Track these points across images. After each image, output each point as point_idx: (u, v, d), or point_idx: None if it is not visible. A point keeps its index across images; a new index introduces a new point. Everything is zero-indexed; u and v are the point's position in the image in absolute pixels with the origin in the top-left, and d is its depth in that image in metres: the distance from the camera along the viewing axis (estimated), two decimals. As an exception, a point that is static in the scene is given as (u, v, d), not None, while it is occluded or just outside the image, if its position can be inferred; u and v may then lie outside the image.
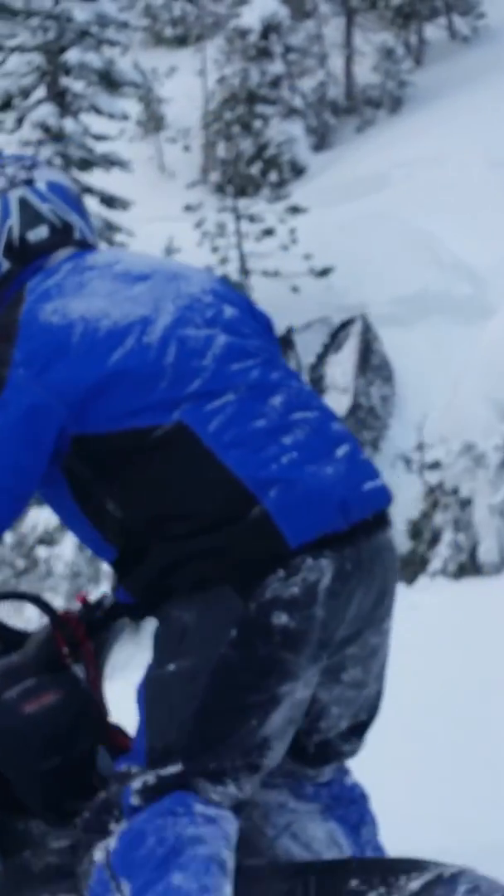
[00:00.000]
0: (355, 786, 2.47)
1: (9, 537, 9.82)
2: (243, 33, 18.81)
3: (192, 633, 1.98)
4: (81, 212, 2.17)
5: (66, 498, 2.07)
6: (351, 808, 2.45)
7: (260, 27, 18.78)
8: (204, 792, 1.97)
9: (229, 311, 2.08)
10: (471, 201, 13.87)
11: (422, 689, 7.42)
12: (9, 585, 9.96)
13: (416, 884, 2.07)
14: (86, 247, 2.14)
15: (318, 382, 11.35)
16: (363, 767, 6.90)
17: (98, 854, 2.00)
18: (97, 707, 2.40)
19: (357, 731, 2.35)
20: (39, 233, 2.11)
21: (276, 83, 18.88)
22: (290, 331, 12.13)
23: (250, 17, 18.74)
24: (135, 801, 1.98)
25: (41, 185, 2.14)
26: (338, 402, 11.07)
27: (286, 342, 11.96)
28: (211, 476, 1.94)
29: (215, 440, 1.94)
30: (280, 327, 12.21)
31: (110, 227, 11.90)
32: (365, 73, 19.72)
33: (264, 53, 18.90)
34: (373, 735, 7.19)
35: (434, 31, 21.39)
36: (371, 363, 11.51)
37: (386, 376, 11.68)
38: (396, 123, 18.38)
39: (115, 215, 12.04)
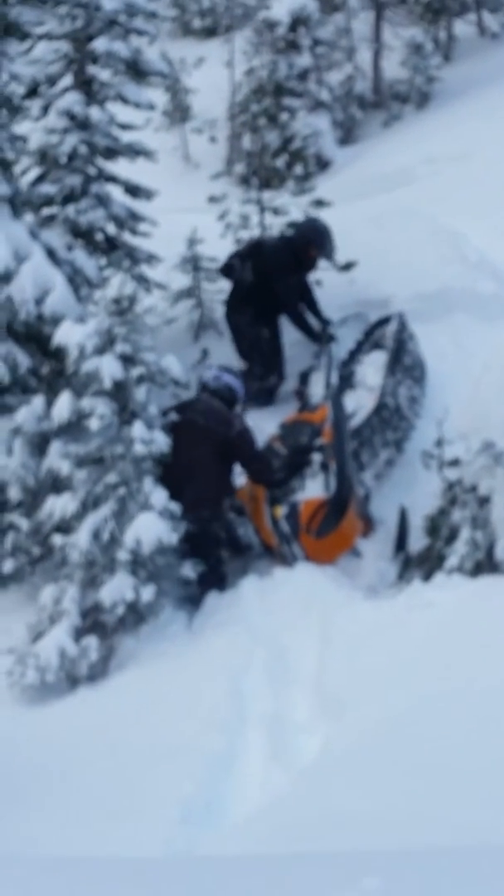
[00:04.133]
0: None
1: (25, 524, 9.81)
2: (272, 25, 18.80)
3: None
4: None
5: None
6: None
7: (289, 19, 18.78)
8: None
9: None
10: (497, 199, 13.83)
11: (437, 686, 7.40)
12: (24, 573, 9.97)
13: None
14: None
15: (347, 379, 11.29)
16: (371, 764, 6.87)
17: None
18: None
19: None
20: None
21: (303, 76, 18.85)
22: (327, 324, 12.11)
23: (279, 10, 18.74)
24: None
25: None
26: (364, 400, 11.00)
27: (329, 337, 11.93)
28: None
29: None
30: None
31: (134, 217, 11.87)
32: (393, 68, 19.68)
33: (293, 46, 18.89)
34: (385, 732, 7.18)
35: (463, 27, 21.33)
36: (403, 363, 11.43)
37: (417, 377, 11.58)
38: (423, 119, 18.35)
39: (139, 205, 12.01)
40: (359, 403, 10.91)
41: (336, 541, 9.94)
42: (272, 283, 11.90)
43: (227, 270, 12.10)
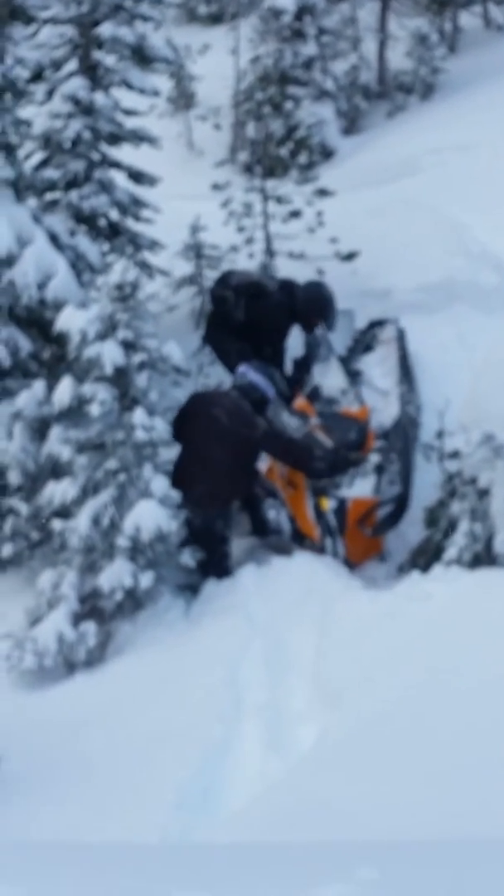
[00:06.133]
0: None
1: (24, 509, 9.81)
2: (278, 13, 18.70)
3: None
4: None
5: None
6: None
7: (294, 8, 18.67)
8: None
9: None
10: (501, 191, 13.78)
11: (434, 677, 7.41)
12: (23, 557, 9.97)
13: None
14: None
15: (354, 377, 11.15)
16: (368, 753, 6.88)
17: None
18: None
19: None
20: None
21: (308, 65, 18.77)
22: None
23: (285, -2, 18.65)
24: None
25: None
26: (383, 405, 10.84)
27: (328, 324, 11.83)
28: None
29: None
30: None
31: (137, 203, 11.85)
32: (398, 59, 19.59)
33: (298, 35, 18.80)
34: (382, 722, 7.20)
35: (469, 18, 21.25)
36: (409, 372, 11.38)
37: (414, 386, 11.53)
38: (428, 110, 18.28)
39: (142, 191, 11.98)
40: (374, 405, 10.77)
41: (374, 543, 10.02)
42: (265, 330, 11.79)
43: (218, 302, 11.83)
